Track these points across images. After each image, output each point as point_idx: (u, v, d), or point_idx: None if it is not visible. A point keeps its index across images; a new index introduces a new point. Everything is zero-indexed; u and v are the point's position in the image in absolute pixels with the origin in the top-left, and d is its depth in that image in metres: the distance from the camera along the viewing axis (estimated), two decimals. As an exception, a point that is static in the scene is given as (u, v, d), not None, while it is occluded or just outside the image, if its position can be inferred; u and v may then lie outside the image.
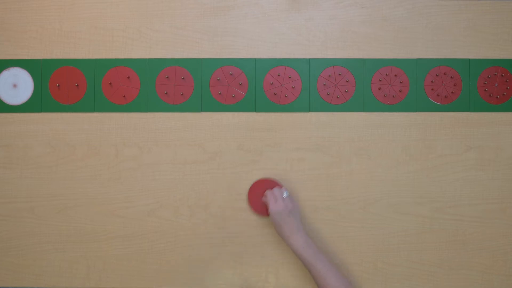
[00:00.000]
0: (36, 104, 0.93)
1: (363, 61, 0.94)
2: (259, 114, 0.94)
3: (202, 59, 0.94)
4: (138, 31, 0.94)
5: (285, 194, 0.86)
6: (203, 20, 0.94)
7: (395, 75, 0.94)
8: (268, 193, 0.87)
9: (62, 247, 0.93)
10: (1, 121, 0.93)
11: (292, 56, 0.94)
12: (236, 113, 0.94)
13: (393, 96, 0.94)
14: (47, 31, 0.94)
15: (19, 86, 0.93)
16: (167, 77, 0.93)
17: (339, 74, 0.94)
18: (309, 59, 0.94)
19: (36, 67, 0.93)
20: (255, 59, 0.94)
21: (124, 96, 0.93)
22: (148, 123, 0.94)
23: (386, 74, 0.94)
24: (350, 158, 0.94)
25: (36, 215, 0.93)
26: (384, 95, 0.94)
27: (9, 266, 0.93)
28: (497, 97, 0.94)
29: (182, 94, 0.93)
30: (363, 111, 0.94)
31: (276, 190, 0.87)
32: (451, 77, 0.94)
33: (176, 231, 0.93)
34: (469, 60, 0.94)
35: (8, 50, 0.94)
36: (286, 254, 0.93)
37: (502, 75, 0.94)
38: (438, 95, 0.94)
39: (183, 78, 0.93)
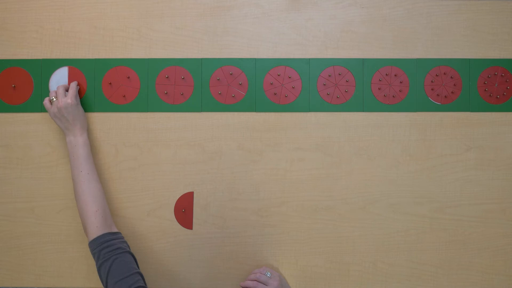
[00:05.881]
0: (36, 104, 0.93)
1: (363, 61, 0.94)
2: (259, 114, 0.94)
3: (202, 59, 0.94)
4: (138, 31, 0.94)
5: (268, 274, 0.87)
6: (203, 20, 0.94)
7: (395, 75, 0.94)
8: (252, 283, 0.86)
9: (62, 247, 0.93)
10: (1, 121, 0.94)
11: (292, 56, 0.94)
12: (236, 113, 0.94)
13: (393, 96, 0.94)
14: (47, 31, 0.94)
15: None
16: (167, 77, 0.93)
17: (339, 74, 0.94)
18: (309, 59, 0.94)
19: (36, 67, 0.93)
20: (255, 59, 0.94)
21: (124, 96, 0.93)
22: (148, 123, 0.94)
23: (386, 74, 0.94)
24: (350, 158, 0.94)
25: (36, 215, 0.93)
26: (384, 95, 0.94)
27: (9, 266, 0.93)
28: (497, 97, 0.94)
29: (182, 94, 0.93)
30: (363, 111, 0.94)
31: (258, 275, 0.86)
32: (451, 77, 0.94)
33: (176, 231, 0.93)
34: (469, 60, 0.94)
35: (8, 50, 0.94)
36: (286, 254, 0.93)
37: (502, 75, 0.94)
38: (438, 95, 0.94)
39: (183, 78, 0.93)
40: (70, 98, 0.87)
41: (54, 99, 0.87)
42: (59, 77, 0.93)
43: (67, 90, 0.89)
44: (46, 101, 0.88)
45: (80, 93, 0.93)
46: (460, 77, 0.94)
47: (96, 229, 0.79)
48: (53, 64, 0.93)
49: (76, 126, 0.87)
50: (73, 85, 0.90)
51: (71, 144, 0.86)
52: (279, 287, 0.85)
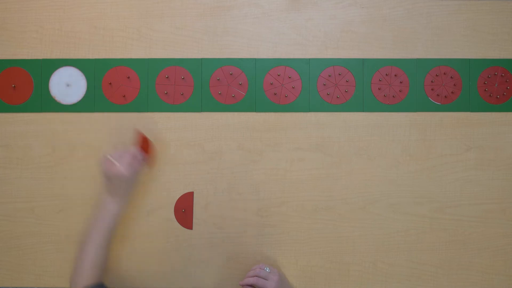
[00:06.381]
0: (36, 104, 0.93)
1: (363, 61, 0.94)
2: (259, 114, 0.94)
3: (202, 59, 0.94)
4: (138, 31, 0.94)
5: (268, 269, 0.86)
6: (203, 20, 0.94)
7: (395, 75, 0.94)
8: (254, 279, 0.85)
9: (62, 247, 0.93)
10: (1, 121, 0.93)
11: (292, 56, 0.94)
12: (236, 113, 0.94)
13: (393, 96, 0.94)
14: (47, 31, 0.94)
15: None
16: (167, 77, 0.93)
17: (339, 74, 0.94)
18: (309, 59, 0.94)
19: (36, 67, 0.93)
20: (255, 59, 0.94)
21: (124, 96, 0.93)
22: (148, 123, 0.93)
23: (386, 74, 0.94)
24: (350, 158, 0.94)
25: (36, 215, 0.93)
26: (384, 95, 0.94)
27: (9, 266, 0.93)
28: (497, 97, 0.94)
29: (182, 94, 0.93)
30: (363, 111, 0.94)
31: (258, 271, 0.86)
32: (451, 77, 0.94)
33: (176, 231, 0.93)
34: (469, 60, 0.94)
35: (8, 50, 0.94)
36: (286, 254, 0.93)
37: (502, 75, 0.94)
38: (438, 95, 0.94)
39: (183, 78, 0.93)
40: (125, 167, 0.78)
41: (112, 160, 0.79)
42: (59, 77, 0.93)
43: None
44: (104, 157, 0.80)
45: (147, 154, 0.87)
46: (460, 77, 0.94)
47: (84, 283, 0.74)
48: (53, 64, 0.93)
49: (118, 194, 0.79)
50: (133, 152, 0.82)
51: (103, 205, 0.79)
52: (279, 282, 0.85)
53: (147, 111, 0.93)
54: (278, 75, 0.93)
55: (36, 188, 0.93)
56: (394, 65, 0.94)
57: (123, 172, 0.78)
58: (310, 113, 0.94)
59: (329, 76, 0.94)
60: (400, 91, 0.94)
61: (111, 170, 0.78)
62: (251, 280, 0.85)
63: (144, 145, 0.86)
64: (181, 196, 0.93)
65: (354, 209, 0.93)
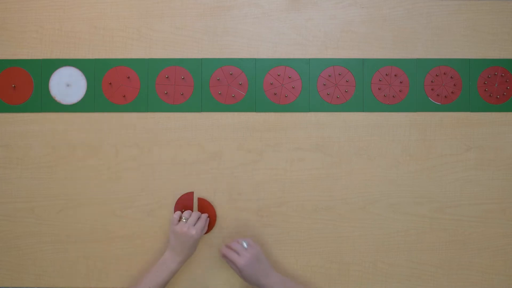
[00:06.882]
0: (36, 104, 0.93)
1: (363, 61, 0.94)
2: (259, 114, 0.94)
3: (202, 59, 0.94)
4: (138, 31, 0.94)
5: (245, 244, 0.85)
6: (203, 20, 0.94)
7: (395, 75, 0.94)
8: (226, 250, 0.85)
9: (62, 247, 0.93)
10: (1, 121, 0.94)
11: (292, 56, 0.94)
12: (236, 113, 0.94)
13: (393, 96, 0.94)
14: (47, 31, 0.94)
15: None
16: (167, 77, 0.93)
17: (339, 74, 0.94)
18: (309, 59, 0.94)
19: (36, 67, 0.93)
20: (255, 59, 0.94)
21: (124, 96, 0.93)
22: (148, 123, 0.94)
23: (386, 74, 0.94)
24: (350, 158, 0.94)
25: (36, 215, 0.93)
26: (384, 95, 0.94)
27: (9, 266, 0.93)
28: (497, 97, 0.94)
29: (182, 94, 0.93)
30: (363, 111, 0.94)
31: (234, 244, 0.85)
32: (451, 77, 0.94)
33: (176, 231, 0.93)
34: (469, 60, 0.94)
35: (8, 50, 0.94)
36: (286, 254, 0.93)
37: (502, 75, 0.94)
38: (438, 95, 0.94)
39: (183, 78, 0.93)
40: (196, 231, 0.85)
41: (184, 221, 0.86)
42: (59, 77, 0.93)
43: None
44: (176, 216, 0.87)
45: (210, 224, 0.92)
46: (460, 77, 0.94)
47: None
48: (53, 64, 0.93)
49: (182, 253, 0.85)
50: (204, 217, 0.90)
51: (163, 260, 0.85)
52: (250, 260, 0.82)
53: (147, 111, 0.93)
54: (278, 75, 0.93)
55: (36, 188, 0.93)
56: (394, 65, 0.94)
57: (195, 234, 0.84)
58: (310, 113, 0.94)
59: (329, 76, 0.94)
60: (400, 91, 0.94)
61: (183, 231, 0.84)
62: (224, 250, 0.85)
63: (207, 209, 0.92)
64: (181, 196, 0.93)
65: (354, 209, 0.93)
